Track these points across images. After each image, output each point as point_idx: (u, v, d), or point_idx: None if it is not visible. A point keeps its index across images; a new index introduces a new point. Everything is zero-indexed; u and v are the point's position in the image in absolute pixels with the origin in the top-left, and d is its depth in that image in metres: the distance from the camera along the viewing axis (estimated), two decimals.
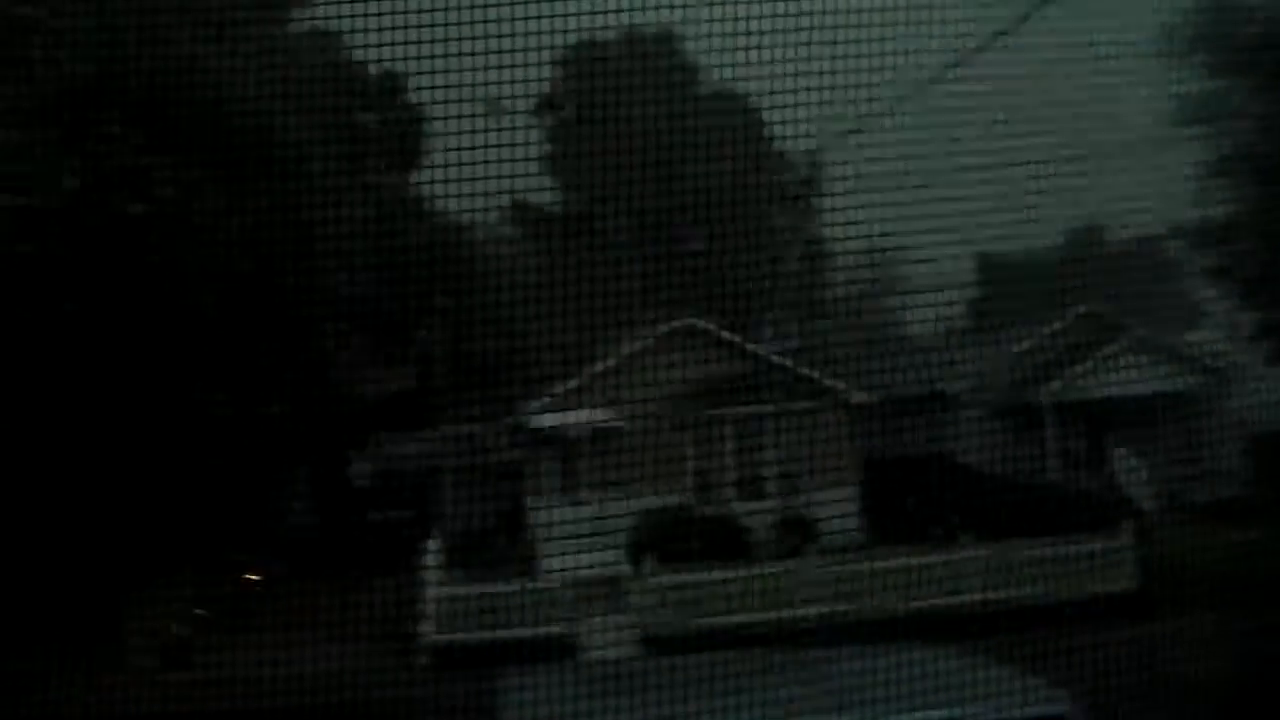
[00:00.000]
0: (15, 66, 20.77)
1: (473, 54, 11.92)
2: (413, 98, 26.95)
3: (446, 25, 10.95)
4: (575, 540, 19.10)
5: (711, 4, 11.83)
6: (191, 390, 20.45)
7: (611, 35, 27.58)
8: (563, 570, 18.29)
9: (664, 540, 18.02)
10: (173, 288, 20.15)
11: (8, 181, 19.45)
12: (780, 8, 10.61)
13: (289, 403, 21.22)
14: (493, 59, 13.27)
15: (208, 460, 20.75)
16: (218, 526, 20.84)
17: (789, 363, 20.86)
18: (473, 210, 26.82)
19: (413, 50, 11.28)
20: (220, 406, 20.47)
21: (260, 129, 21.27)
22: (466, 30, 11.52)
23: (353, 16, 11.51)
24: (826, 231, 25.09)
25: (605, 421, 19.34)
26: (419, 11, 10.85)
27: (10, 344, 19.34)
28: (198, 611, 18.56)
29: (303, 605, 17.63)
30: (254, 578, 19.77)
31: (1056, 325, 22.94)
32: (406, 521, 21.69)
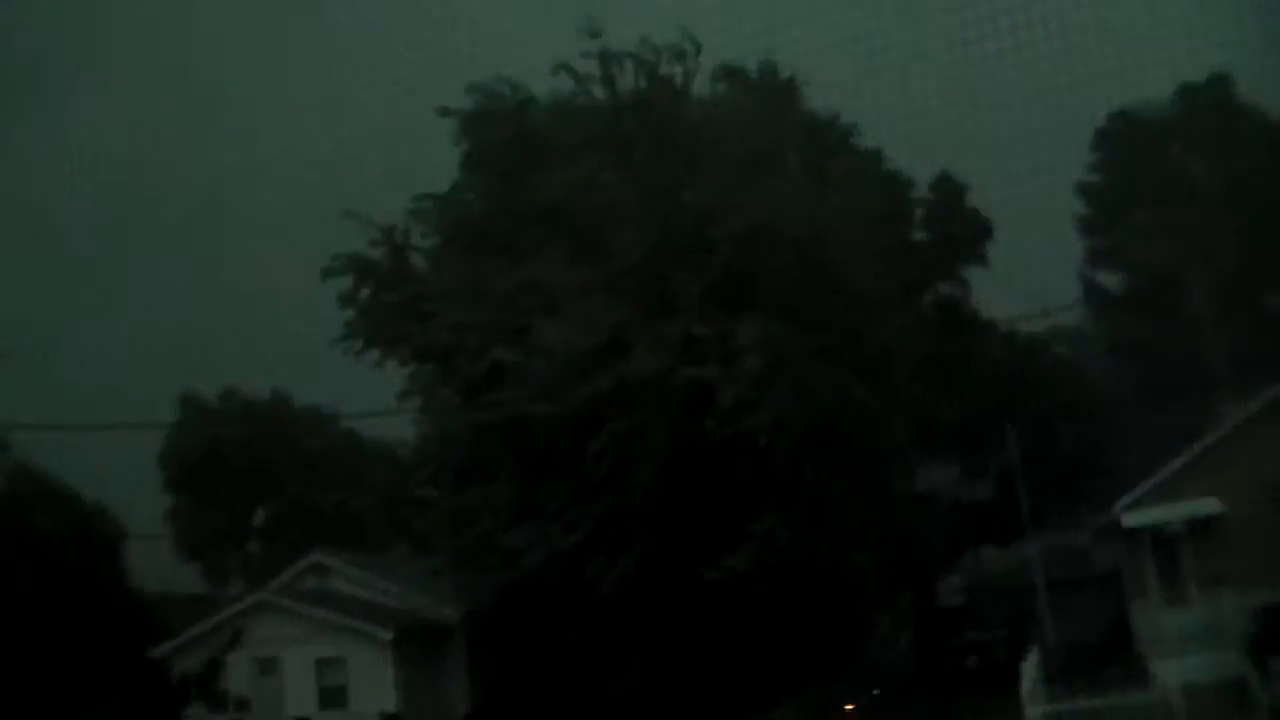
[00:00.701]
0: (595, 245, 22.21)
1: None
2: (969, 204, 26.80)
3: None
4: (1188, 644, 17.53)
5: None
6: (791, 531, 20.65)
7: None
8: (1177, 678, 16.81)
9: None
10: (765, 438, 20.50)
11: (596, 359, 20.68)
12: None
13: (879, 538, 21.02)
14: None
15: (809, 596, 20.82)
16: (818, 658, 20.79)
17: None
18: (1033, 308, 26.22)
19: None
20: (818, 545, 20.53)
21: (832, 263, 21.53)
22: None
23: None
24: None
25: (1208, 511, 17.68)
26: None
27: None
28: None
29: None
30: (850, 707, 19.49)
31: None
32: (1000, 638, 20.74)
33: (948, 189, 24.77)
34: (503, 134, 22.73)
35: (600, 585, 19.92)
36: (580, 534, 20.24)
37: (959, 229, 24.60)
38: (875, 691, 19.88)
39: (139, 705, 21.75)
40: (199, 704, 21.85)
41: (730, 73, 22.91)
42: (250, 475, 29.38)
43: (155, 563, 23.64)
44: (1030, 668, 16.97)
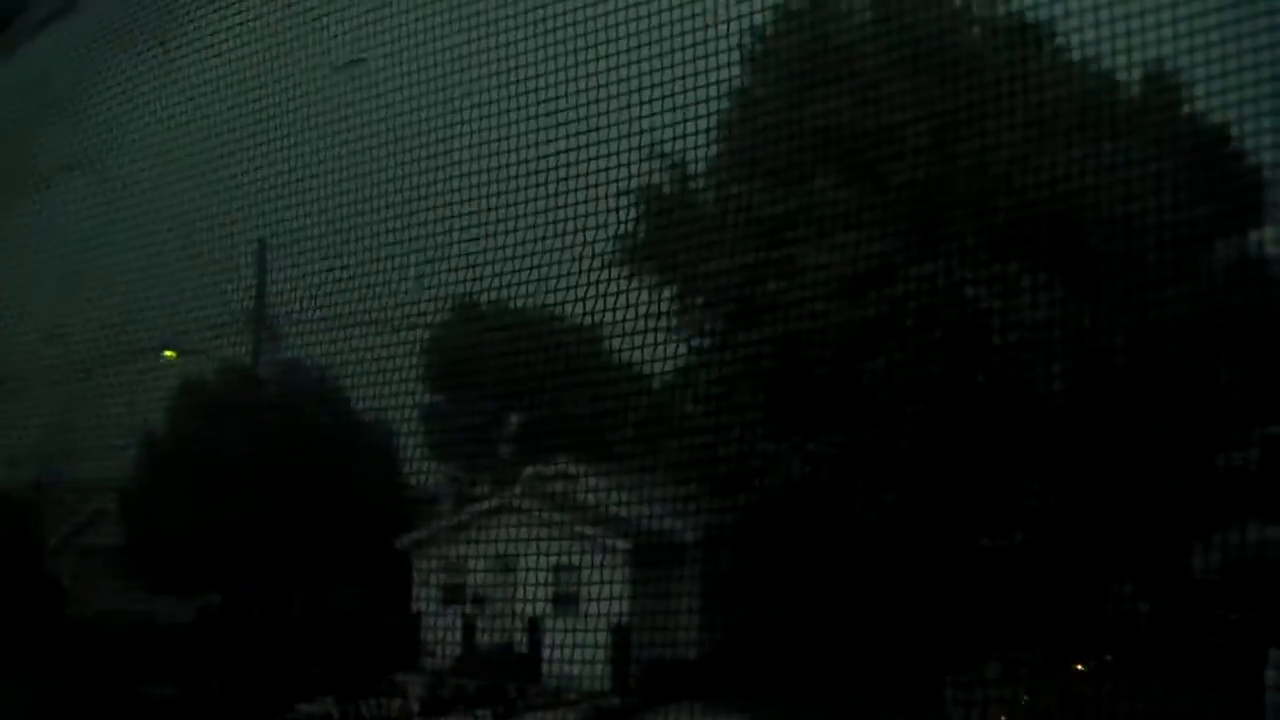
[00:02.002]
0: (862, 172, 21.79)
1: None
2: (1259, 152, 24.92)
3: None
4: None
5: None
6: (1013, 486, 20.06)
7: None
8: None
9: None
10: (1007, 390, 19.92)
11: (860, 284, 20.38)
12: None
13: (1130, 489, 20.11)
14: None
15: (1047, 545, 20.16)
16: (1050, 613, 20.09)
17: None
18: None
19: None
20: (1041, 508, 19.85)
21: (1101, 222, 20.58)
22: None
23: None
24: None
25: None
26: None
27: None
28: (1026, 697, 17.99)
29: (1128, 703, 16.44)
30: (1080, 667, 18.83)
31: None
32: (1255, 619, 19.59)
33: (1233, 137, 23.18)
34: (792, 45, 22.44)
35: (858, 517, 19.81)
36: (836, 464, 20.13)
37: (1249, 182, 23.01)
38: (1108, 657, 19.16)
39: (381, 592, 22.64)
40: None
41: None
42: (507, 380, 29.99)
43: (407, 459, 24.37)
44: (1278, 657, 15.98)
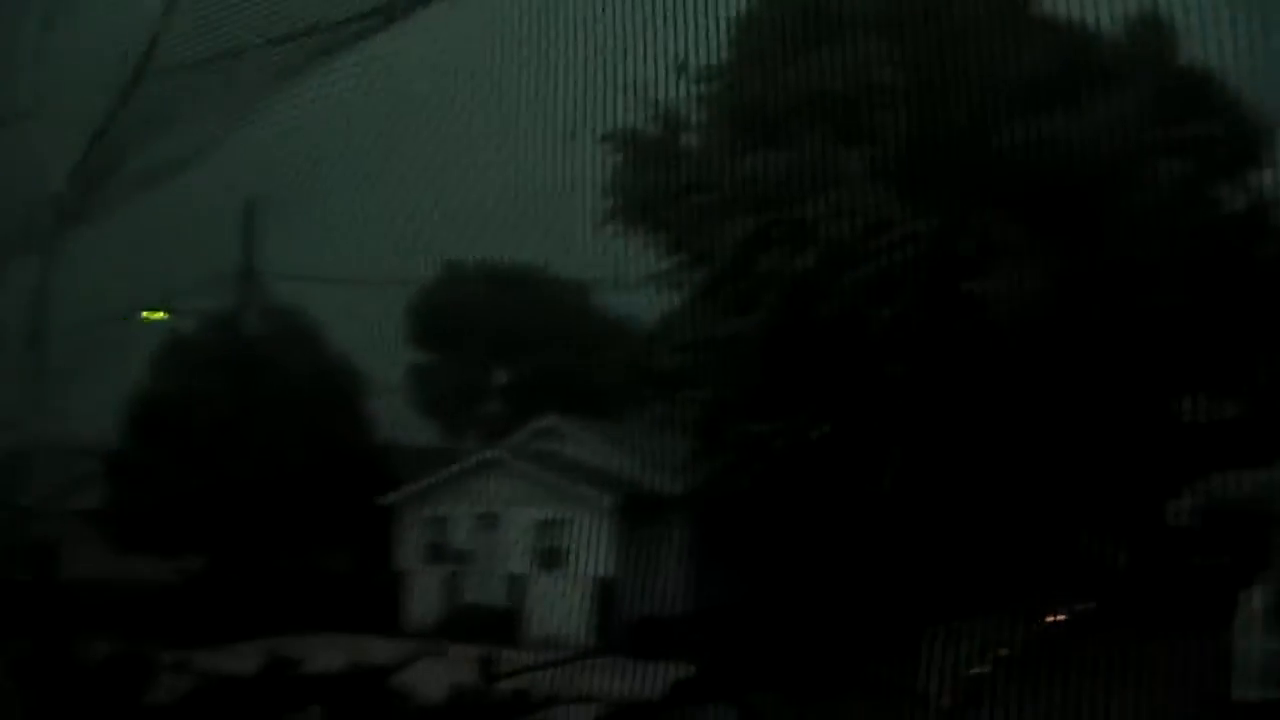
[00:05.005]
0: (864, 129, 21.76)
1: None
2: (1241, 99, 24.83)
3: None
4: None
5: None
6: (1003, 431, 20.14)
7: None
8: None
9: None
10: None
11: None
12: None
13: (1095, 438, 20.16)
14: None
15: (1019, 496, 20.24)
16: (1026, 565, 20.15)
17: None
18: None
19: None
20: (1032, 448, 19.94)
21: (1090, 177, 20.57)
22: None
23: None
24: None
25: None
26: None
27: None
28: (1000, 651, 17.98)
29: (1104, 651, 16.49)
30: (1057, 619, 18.85)
31: None
32: (1227, 567, 19.67)
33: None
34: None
35: (865, 483, 19.87)
36: (831, 424, 20.16)
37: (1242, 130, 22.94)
38: (1085, 606, 19.22)
39: (366, 550, 22.70)
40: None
41: None
42: (495, 336, 30.06)
43: (392, 416, 24.52)
44: (1249, 599, 16.04)
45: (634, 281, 24.86)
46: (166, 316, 24.95)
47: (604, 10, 14.91)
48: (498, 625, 20.92)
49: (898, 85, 20.55)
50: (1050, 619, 18.88)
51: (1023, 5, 22.22)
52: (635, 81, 23.24)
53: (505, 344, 30.59)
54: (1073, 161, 19.34)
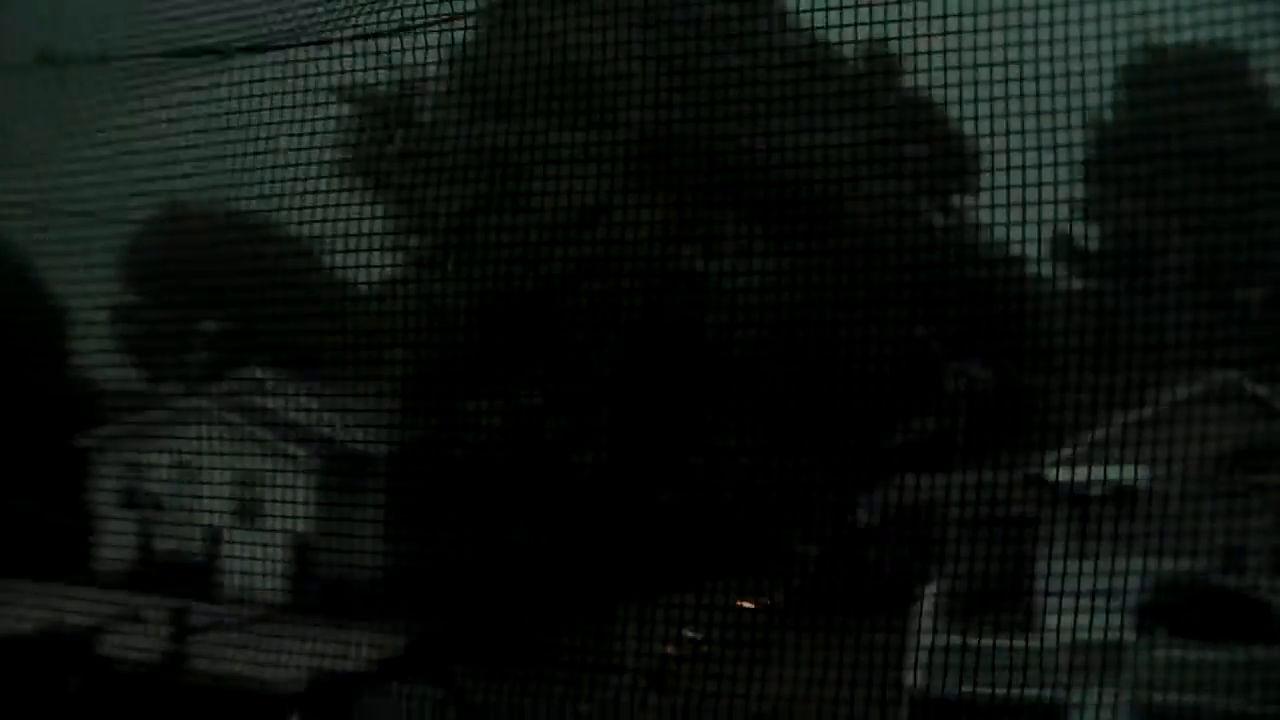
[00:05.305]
0: (592, 116, 22.17)
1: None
2: (954, 121, 26.31)
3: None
4: (1081, 601, 17.79)
5: None
6: (709, 428, 20.99)
7: (1170, 45, 25.80)
8: (1063, 631, 17.11)
9: (1179, 611, 16.44)
10: (710, 336, 20.76)
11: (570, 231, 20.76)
12: None
13: (807, 439, 21.23)
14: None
15: (718, 488, 21.12)
16: (722, 551, 21.07)
17: None
18: (1012, 245, 26.01)
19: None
20: (736, 442, 20.85)
21: (812, 176, 21.50)
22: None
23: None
24: None
25: (1129, 479, 17.84)
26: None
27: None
28: (689, 634, 18.76)
29: (792, 639, 17.41)
30: (748, 605, 19.81)
31: None
32: (907, 564, 21.06)
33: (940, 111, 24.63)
34: None
35: (549, 453, 20.22)
36: (540, 398, 20.49)
37: (952, 154, 24.41)
38: (774, 596, 20.21)
39: (60, 493, 21.90)
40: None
41: None
42: (207, 283, 29.28)
43: (99, 358, 23.63)
44: (926, 599, 17.27)
45: (356, 241, 24.76)
46: None
47: None
48: (193, 577, 20.54)
49: (634, 74, 21.13)
50: (741, 605, 19.85)
51: (765, 11, 23.27)
52: (373, 41, 23.46)
53: (218, 291, 29.86)
54: (797, 169, 20.24)
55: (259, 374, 24.11)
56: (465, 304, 21.41)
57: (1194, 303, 25.04)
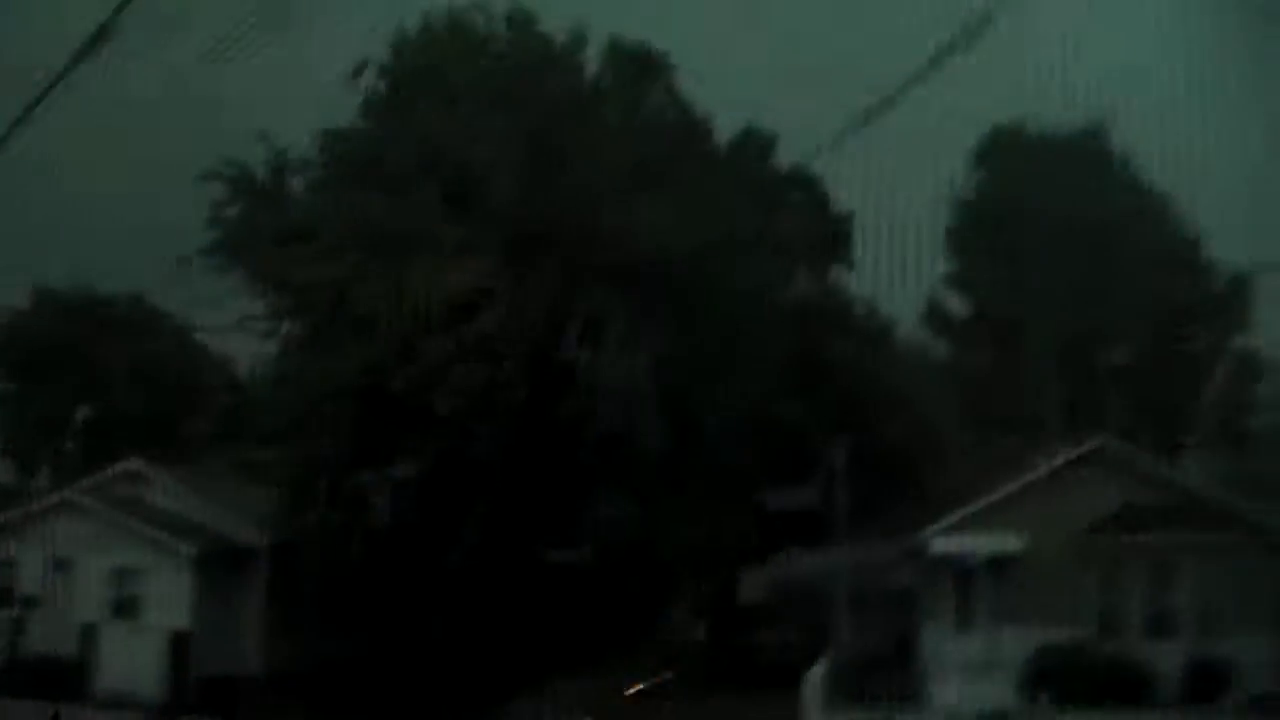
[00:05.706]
0: (472, 195, 22.15)
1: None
2: (832, 202, 26.79)
3: None
4: (967, 672, 17.99)
5: None
6: (590, 506, 20.92)
7: (1029, 124, 26.65)
8: (951, 703, 17.27)
9: (1062, 678, 16.66)
10: (598, 413, 20.71)
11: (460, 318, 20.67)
12: None
13: (692, 521, 21.24)
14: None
15: (602, 573, 21.01)
16: (609, 637, 20.96)
17: (1213, 494, 19.00)
18: (884, 320, 26.52)
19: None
20: (615, 524, 20.77)
21: (689, 260, 21.70)
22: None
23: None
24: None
25: (1009, 548, 18.15)
26: None
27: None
28: (584, 717, 18.61)
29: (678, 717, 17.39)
30: (638, 687, 19.71)
31: None
32: (793, 641, 21.12)
33: (813, 187, 25.15)
34: (405, 70, 22.83)
35: (432, 539, 19.94)
36: (415, 484, 20.23)
37: (824, 228, 24.77)
38: (665, 677, 20.13)
39: None
40: None
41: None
42: (80, 373, 28.73)
43: None
44: (814, 675, 17.31)
45: (232, 323, 24.50)
46: None
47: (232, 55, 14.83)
48: (66, 677, 19.91)
49: (507, 159, 21.25)
50: (631, 688, 19.76)
51: (635, 90, 23.54)
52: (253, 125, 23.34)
53: (91, 380, 29.24)
54: (672, 246, 20.42)
55: (136, 465, 23.49)
56: (343, 389, 21.19)
57: (1060, 371, 25.74)
